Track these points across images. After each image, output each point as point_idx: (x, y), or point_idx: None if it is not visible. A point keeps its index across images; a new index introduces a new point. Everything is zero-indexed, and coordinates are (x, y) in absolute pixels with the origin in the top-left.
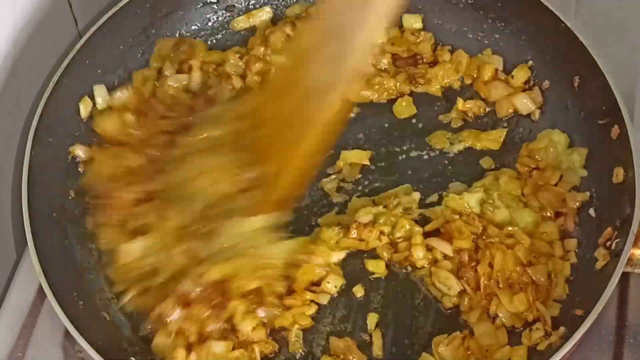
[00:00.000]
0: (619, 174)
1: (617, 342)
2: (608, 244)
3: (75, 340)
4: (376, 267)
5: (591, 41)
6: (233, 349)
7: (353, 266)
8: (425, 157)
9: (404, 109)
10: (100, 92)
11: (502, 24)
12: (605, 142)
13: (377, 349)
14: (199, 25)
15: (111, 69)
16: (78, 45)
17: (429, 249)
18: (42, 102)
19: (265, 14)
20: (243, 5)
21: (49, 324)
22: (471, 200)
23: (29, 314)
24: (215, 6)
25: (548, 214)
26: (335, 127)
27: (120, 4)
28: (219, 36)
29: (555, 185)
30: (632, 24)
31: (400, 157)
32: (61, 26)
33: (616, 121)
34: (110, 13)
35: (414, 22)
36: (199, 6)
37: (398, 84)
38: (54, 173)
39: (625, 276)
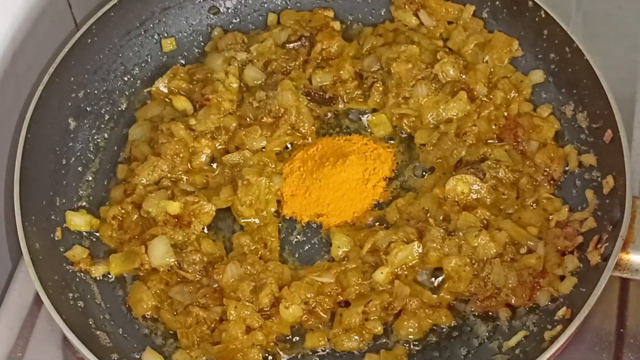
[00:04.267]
0: (609, 181)
1: (617, 342)
2: (599, 246)
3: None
4: None
5: (591, 41)
6: None
7: None
8: None
9: None
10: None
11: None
12: (599, 146)
13: None
14: (198, 19)
15: (107, 62)
16: (74, 39)
17: None
18: (35, 99)
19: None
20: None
21: (48, 324)
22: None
23: (28, 314)
24: (213, 1)
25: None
26: None
27: None
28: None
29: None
30: (632, 24)
31: None
32: (59, 20)
33: (609, 125)
34: (107, 7)
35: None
36: (197, 1)
37: None
38: (45, 178)
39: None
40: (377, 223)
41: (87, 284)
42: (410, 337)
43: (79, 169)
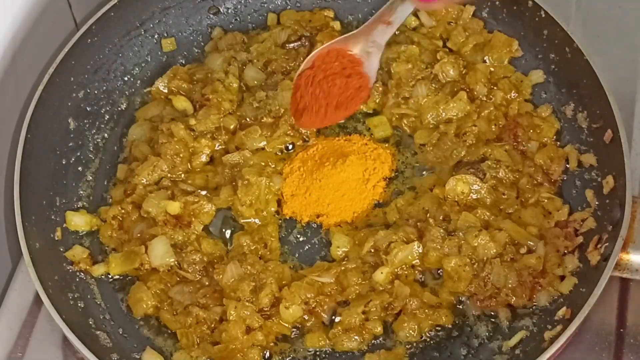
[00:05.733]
0: (609, 181)
1: (617, 342)
2: (599, 246)
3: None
4: None
5: (591, 41)
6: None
7: None
8: None
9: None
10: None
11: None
12: (599, 146)
13: None
14: (198, 19)
15: (107, 62)
16: (74, 39)
17: None
18: (35, 99)
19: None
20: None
21: (48, 324)
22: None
23: (28, 314)
24: (213, 1)
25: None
26: None
27: None
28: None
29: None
30: (632, 24)
31: None
32: (59, 20)
33: (609, 125)
34: (107, 7)
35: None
36: (197, 1)
37: None
38: (45, 178)
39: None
40: (377, 223)
41: (87, 284)
42: (410, 337)
43: (79, 169)
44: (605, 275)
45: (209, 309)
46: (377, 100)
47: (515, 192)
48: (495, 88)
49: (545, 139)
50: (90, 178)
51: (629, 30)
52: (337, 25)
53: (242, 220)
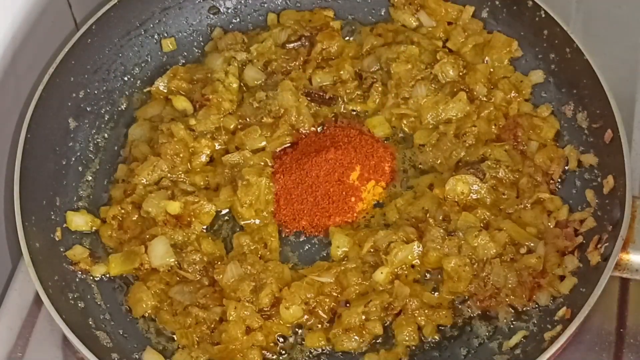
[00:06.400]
0: (609, 181)
1: (617, 342)
2: (599, 246)
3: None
4: None
5: (591, 41)
6: None
7: None
8: None
9: None
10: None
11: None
12: (599, 146)
13: None
14: (198, 19)
15: (107, 62)
16: (74, 39)
17: None
18: (35, 99)
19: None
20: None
21: (48, 324)
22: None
23: (28, 314)
24: (213, 1)
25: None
26: None
27: None
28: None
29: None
30: (632, 24)
31: None
32: (59, 20)
33: (609, 125)
34: (107, 7)
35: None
36: (197, 1)
37: None
38: (45, 178)
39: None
40: (377, 223)
41: (87, 284)
42: (410, 337)
43: (79, 169)
44: (605, 275)
45: (209, 309)
46: (377, 100)
47: (515, 192)
48: (495, 88)
49: (545, 139)
50: (90, 178)
51: (629, 30)
52: (337, 25)
53: (242, 222)
